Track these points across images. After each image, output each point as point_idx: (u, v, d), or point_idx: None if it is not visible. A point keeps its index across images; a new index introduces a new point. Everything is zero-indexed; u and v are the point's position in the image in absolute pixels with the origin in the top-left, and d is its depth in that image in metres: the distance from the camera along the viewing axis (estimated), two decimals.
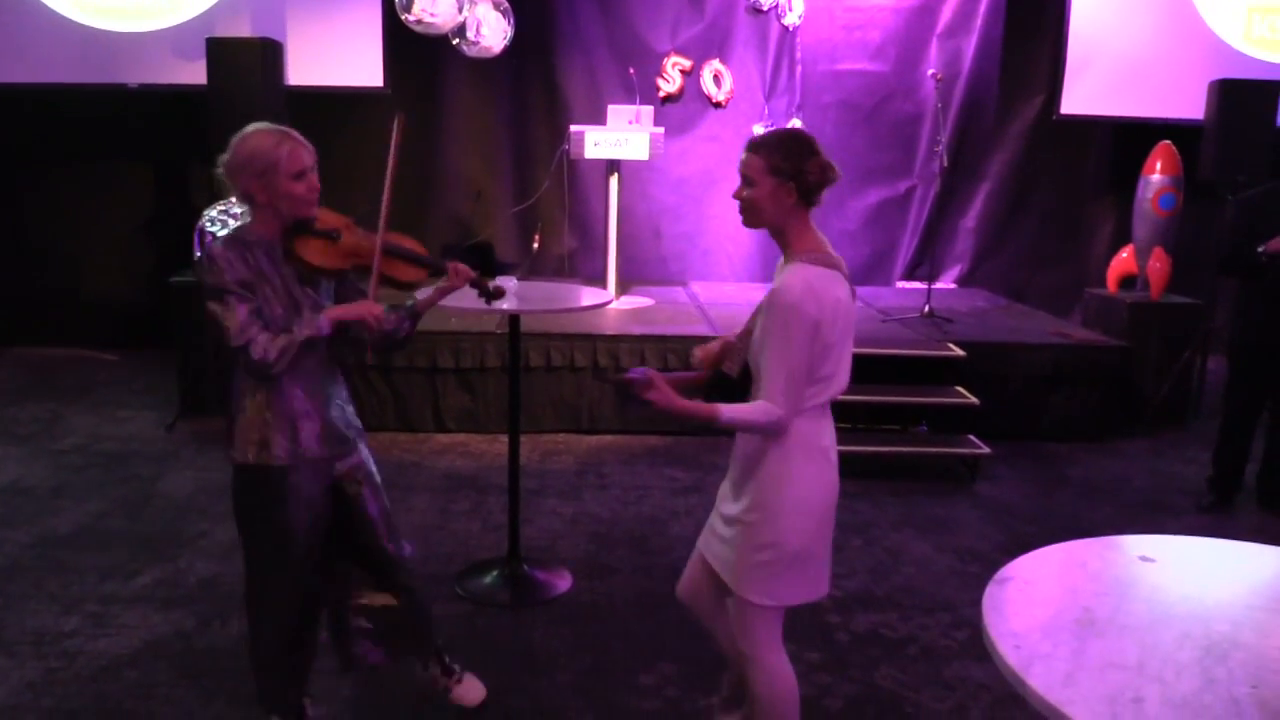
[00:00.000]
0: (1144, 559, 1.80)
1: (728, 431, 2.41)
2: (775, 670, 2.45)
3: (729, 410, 2.26)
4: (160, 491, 4.76)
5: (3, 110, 7.23)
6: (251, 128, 2.48)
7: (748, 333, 2.42)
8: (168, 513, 4.50)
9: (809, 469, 2.37)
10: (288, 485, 2.53)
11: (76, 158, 7.37)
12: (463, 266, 2.72)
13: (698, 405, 2.29)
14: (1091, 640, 1.49)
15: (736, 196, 2.40)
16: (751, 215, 2.38)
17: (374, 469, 2.76)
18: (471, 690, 3.03)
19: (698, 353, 2.63)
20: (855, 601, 3.81)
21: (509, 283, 3.95)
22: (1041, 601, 1.65)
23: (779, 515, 2.34)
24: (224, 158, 2.47)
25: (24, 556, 4.01)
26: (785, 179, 2.31)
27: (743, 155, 2.38)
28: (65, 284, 7.51)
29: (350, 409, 2.70)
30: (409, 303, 2.75)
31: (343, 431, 2.63)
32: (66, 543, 4.16)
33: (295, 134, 2.48)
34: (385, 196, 2.62)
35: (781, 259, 2.43)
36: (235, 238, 2.49)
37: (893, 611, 3.75)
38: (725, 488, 2.53)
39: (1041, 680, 1.31)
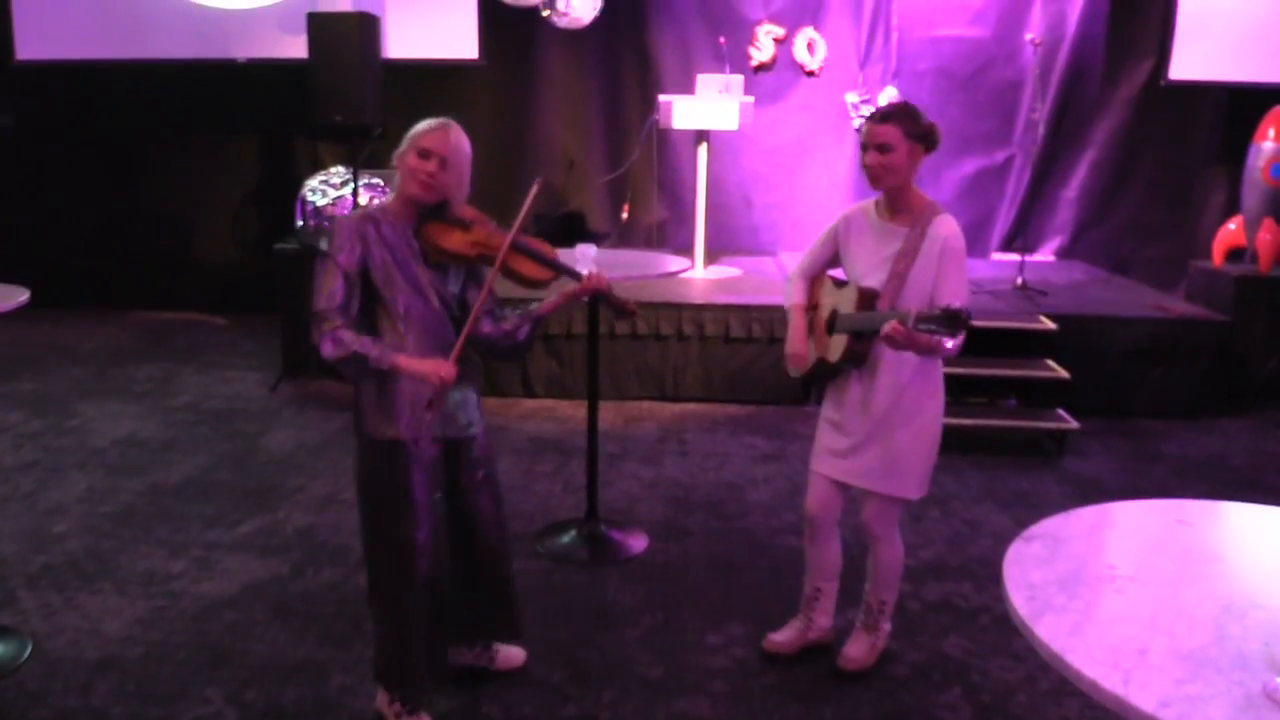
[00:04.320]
0: (1180, 522, 1.79)
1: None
2: (899, 542, 3.07)
3: (950, 340, 2.64)
4: (263, 447, 5.01)
5: (123, 87, 7.62)
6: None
7: (896, 275, 2.77)
8: (269, 467, 4.74)
9: (940, 386, 2.94)
10: (407, 461, 2.63)
11: (188, 130, 7.73)
12: (598, 276, 2.81)
13: (932, 339, 2.61)
14: (1108, 596, 1.50)
15: (871, 163, 2.76)
16: (888, 177, 2.77)
17: (491, 458, 2.89)
18: (512, 654, 3.08)
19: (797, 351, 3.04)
20: (928, 571, 3.82)
21: (589, 250, 4.03)
22: (1066, 558, 1.66)
23: (932, 425, 2.92)
24: None
25: (137, 503, 4.29)
26: (916, 141, 2.74)
27: (872, 126, 2.77)
28: (178, 251, 7.92)
29: (472, 398, 2.78)
30: (531, 306, 2.82)
31: (454, 415, 2.72)
32: (176, 492, 4.43)
33: (452, 126, 2.63)
34: (526, 205, 2.74)
35: (875, 210, 2.88)
36: (366, 214, 2.62)
37: (966, 582, 3.75)
38: (856, 417, 2.92)
39: (1049, 630, 1.33)
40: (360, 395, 2.66)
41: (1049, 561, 1.62)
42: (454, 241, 2.64)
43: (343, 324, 2.53)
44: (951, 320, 2.41)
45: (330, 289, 2.53)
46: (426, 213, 2.64)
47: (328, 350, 2.50)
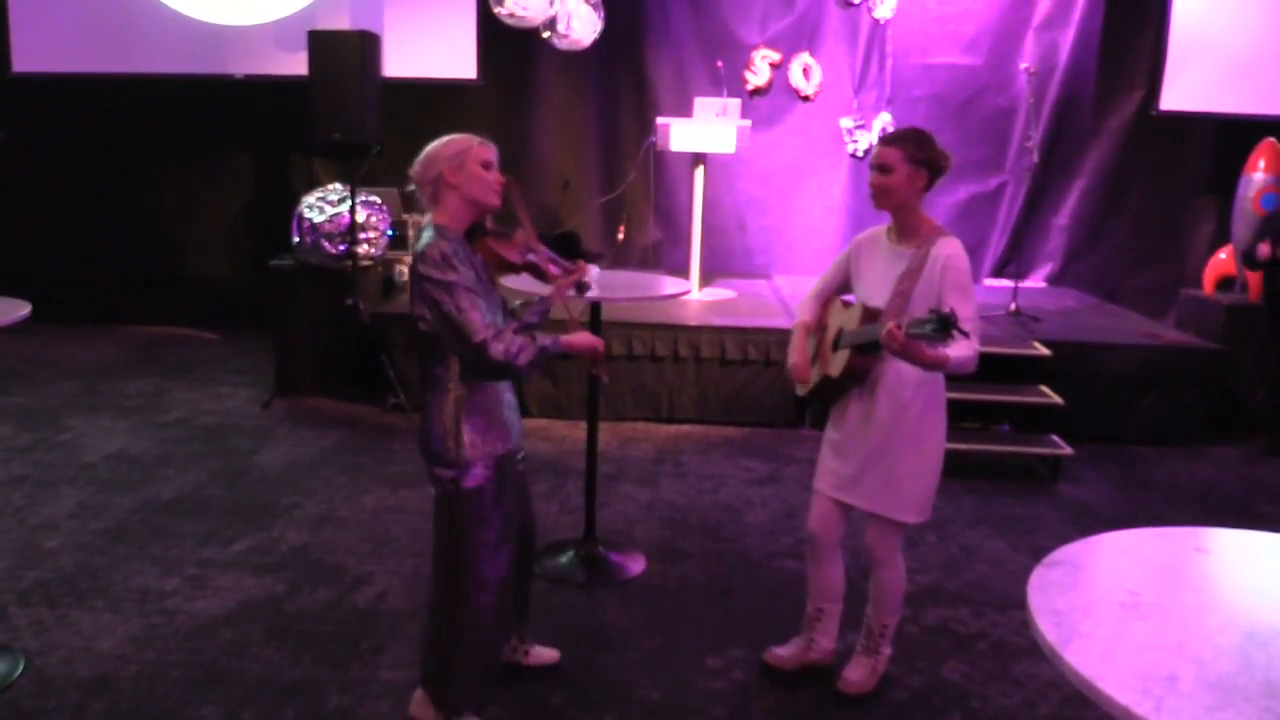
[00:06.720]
0: (1198, 549, 1.80)
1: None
2: (901, 565, 3.07)
3: (954, 352, 2.63)
4: (256, 464, 4.98)
5: (119, 101, 7.61)
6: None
7: (900, 294, 2.81)
8: (262, 484, 4.71)
9: (942, 410, 2.94)
10: (495, 477, 2.70)
11: (184, 145, 7.72)
12: (582, 266, 2.97)
13: (934, 351, 2.62)
14: (1133, 622, 1.50)
15: (871, 182, 2.86)
16: (885, 198, 2.84)
17: None
18: (545, 654, 3.21)
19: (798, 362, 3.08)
20: (926, 596, 3.81)
21: (593, 271, 4.06)
22: (1088, 584, 1.67)
23: (933, 448, 2.92)
24: (416, 161, 2.68)
25: (129, 520, 4.25)
26: (919, 166, 2.80)
27: (878, 148, 2.86)
28: (171, 266, 7.89)
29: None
30: (541, 305, 2.91)
31: (519, 422, 2.87)
32: (168, 509, 4.39)
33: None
34: (523, 210, 2.87)
35: (886, 235, 2.94)
36: (443, 234, 2.61)
37: (964, 607, 3.74)
38: (858, 437, 2.93)
39: (1078, 655, 1.34)
40: (458, 425, 2.63)
41: (1071, 588, 1.62)
42: (512, 254, 2.75)
43: (510, 335, 2.60)
44: (941, 323, 2.39)
45: (476, 317, 2.53)
46: (476, 228, 2.72)
47: (523, 360, 2.58)
